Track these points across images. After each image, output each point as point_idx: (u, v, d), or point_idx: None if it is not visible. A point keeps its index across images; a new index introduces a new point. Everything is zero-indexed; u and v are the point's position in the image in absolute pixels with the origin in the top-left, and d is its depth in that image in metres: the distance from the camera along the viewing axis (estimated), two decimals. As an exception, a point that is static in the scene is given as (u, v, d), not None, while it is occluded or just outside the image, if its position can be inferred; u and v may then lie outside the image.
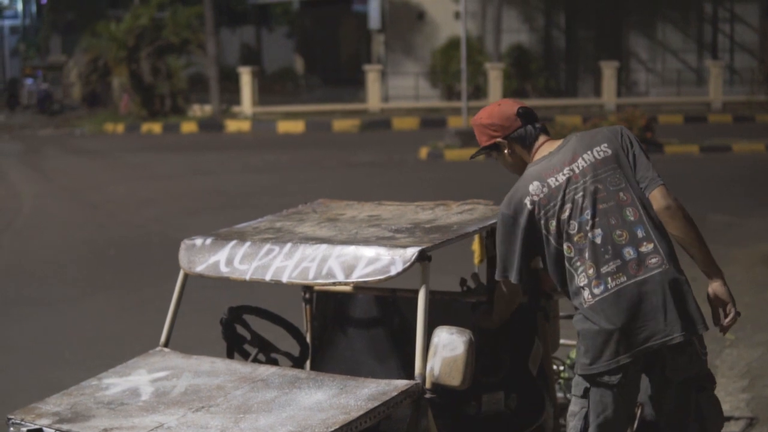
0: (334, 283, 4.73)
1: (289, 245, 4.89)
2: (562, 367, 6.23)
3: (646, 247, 4.45)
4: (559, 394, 6.05)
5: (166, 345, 5.21)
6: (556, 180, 4.58)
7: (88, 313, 10.69)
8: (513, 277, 4.65)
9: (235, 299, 6.49)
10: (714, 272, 4.58)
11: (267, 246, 4.94)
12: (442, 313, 5.39)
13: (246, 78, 33.96)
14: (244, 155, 24.85)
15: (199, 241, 5.14)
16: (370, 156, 23.90)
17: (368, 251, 4.69)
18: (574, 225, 4.51)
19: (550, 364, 5.59)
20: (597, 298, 4.43)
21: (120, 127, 33.00)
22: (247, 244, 5.01)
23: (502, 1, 34.48)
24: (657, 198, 4.51)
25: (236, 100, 34.52)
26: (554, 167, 4.61)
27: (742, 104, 33.85)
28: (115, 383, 4.82)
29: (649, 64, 38.04)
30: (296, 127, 31.43)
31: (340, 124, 31.45)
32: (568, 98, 36.17)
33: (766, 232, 13.89)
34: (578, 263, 4.50)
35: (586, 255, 4.47)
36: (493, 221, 5.22)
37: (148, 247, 13.89)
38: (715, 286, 4.59)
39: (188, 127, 32.22)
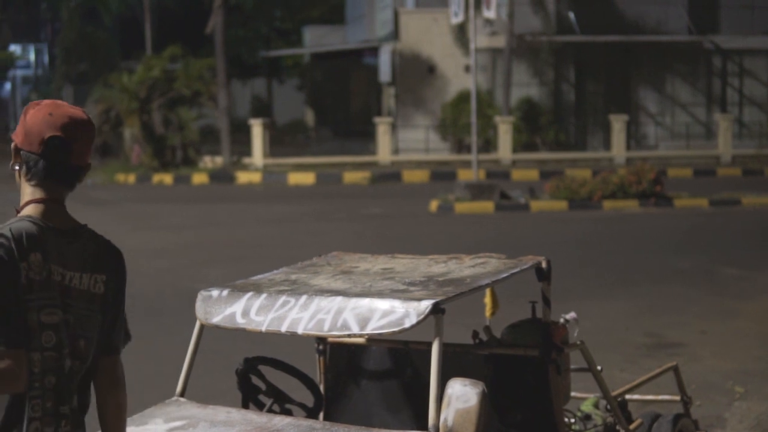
0: (349, 335, 4.76)
1: (304, 297, 4.94)
2: (573, 420, 6.26)
3: None
4: (571, 446, 6.09)
5: (182, 395, 5.25)
6: None
7: (101, 364, 10.71)
8: None
9: (249, 350, 6.55)
10: None
11: (283, 298, 4.99)
12: (454, 365, 5.43)
13: (257, 130, 34.15)
14: (255, 207, 24.96)
15: (215, 293, 5.19)
16: (380, 208, 23.99)
17: (383, 304, 4.73)
18: None
19: (561, 417, 5.63)
20: None
21: (131, 178, 33.18)
22: (263, 295, 5.05)
23: (512, 55, 34.71)
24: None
25: (247, 151, 34.69)
26: None
27: (751, 158, 33.98)
28: (132, 432, 4.87)
29: (658, 117, 38.19)
30: (307, 179, 31.57)
31: (350, 177, 31.58)
32: (578, 152, 36.28)
33: (775, 285, 13.94)
34: None
35: None
36: (506, 274, 5.28)
37: (160, 298, 13.95)
38: None
39: (199, 178, 32.38)
